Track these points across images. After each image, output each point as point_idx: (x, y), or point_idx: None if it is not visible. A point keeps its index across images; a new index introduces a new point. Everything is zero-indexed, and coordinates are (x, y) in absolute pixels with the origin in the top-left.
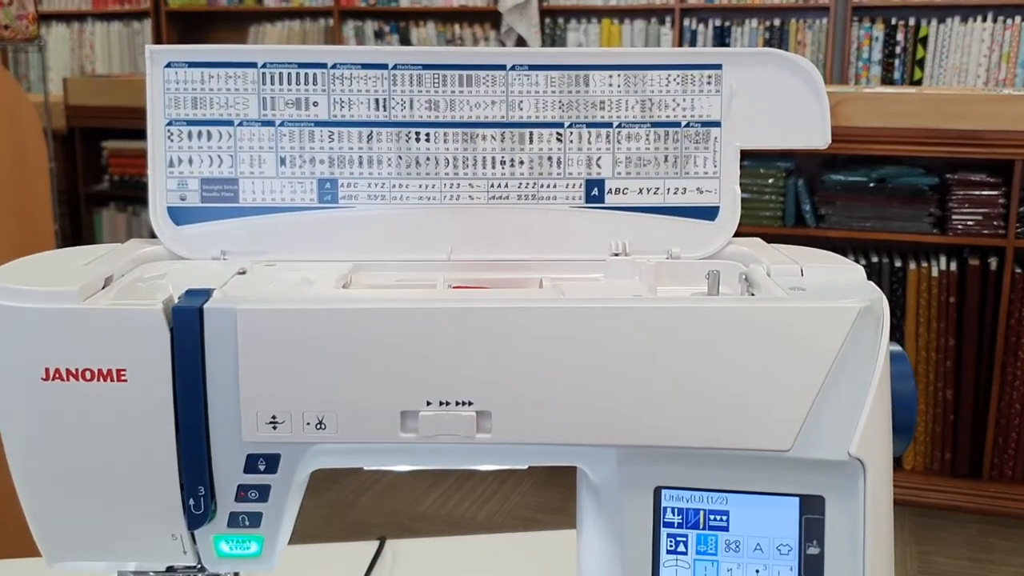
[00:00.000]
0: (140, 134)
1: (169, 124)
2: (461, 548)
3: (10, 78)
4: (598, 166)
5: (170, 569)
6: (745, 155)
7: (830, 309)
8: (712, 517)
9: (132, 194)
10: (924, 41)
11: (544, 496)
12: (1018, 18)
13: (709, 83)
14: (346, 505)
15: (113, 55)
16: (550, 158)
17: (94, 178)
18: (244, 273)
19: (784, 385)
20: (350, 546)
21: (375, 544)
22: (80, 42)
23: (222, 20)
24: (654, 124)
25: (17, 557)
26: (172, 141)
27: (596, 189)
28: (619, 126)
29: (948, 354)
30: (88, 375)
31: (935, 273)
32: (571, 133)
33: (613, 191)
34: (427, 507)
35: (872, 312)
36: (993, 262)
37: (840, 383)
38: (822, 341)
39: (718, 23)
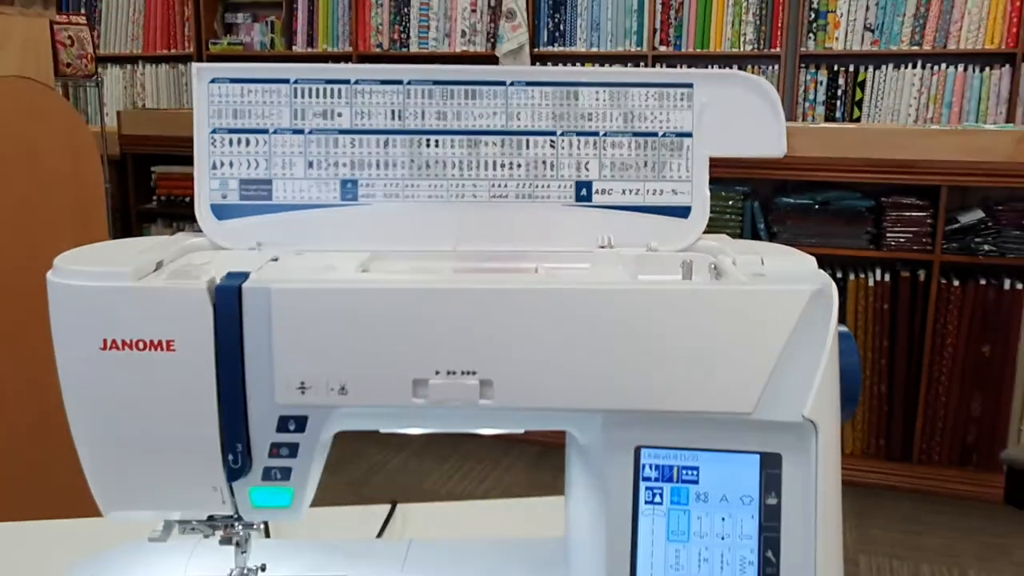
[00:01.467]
0: (184, 160)
1: (213, 132)
2: (461, 511)
3: (72, 110)
4: (586, 170)
5: (210, 518)
6: (710, 176)
7: (787, 292)
8: (684, 472)
9: (177, 211)
10: (862, 85)
11: (535, 475)
12: (943, 64)
13: (682, 99)
14: (361, 482)
15: (161, 92)
16: (544, 162)
17: (144, 198)
18: (276, 260)
19: (747, 357)
20: (366, 509)
21: (387, 507)
22: (132, 81)
23: (256, 63)
24: (635, 134)
25: (74, 517)
26: (215, 147)
27: (584, 190)
28: (604, 135)
29: (883, 353)
30: (141, 345)
31: (871, 283)
32: (563, 141)
33: (599, 191)
34: (431, 484)
35: (823, 295)
36: (922, 274)
37: (795, 355)
38: (780, 319)
39: (685, 67)
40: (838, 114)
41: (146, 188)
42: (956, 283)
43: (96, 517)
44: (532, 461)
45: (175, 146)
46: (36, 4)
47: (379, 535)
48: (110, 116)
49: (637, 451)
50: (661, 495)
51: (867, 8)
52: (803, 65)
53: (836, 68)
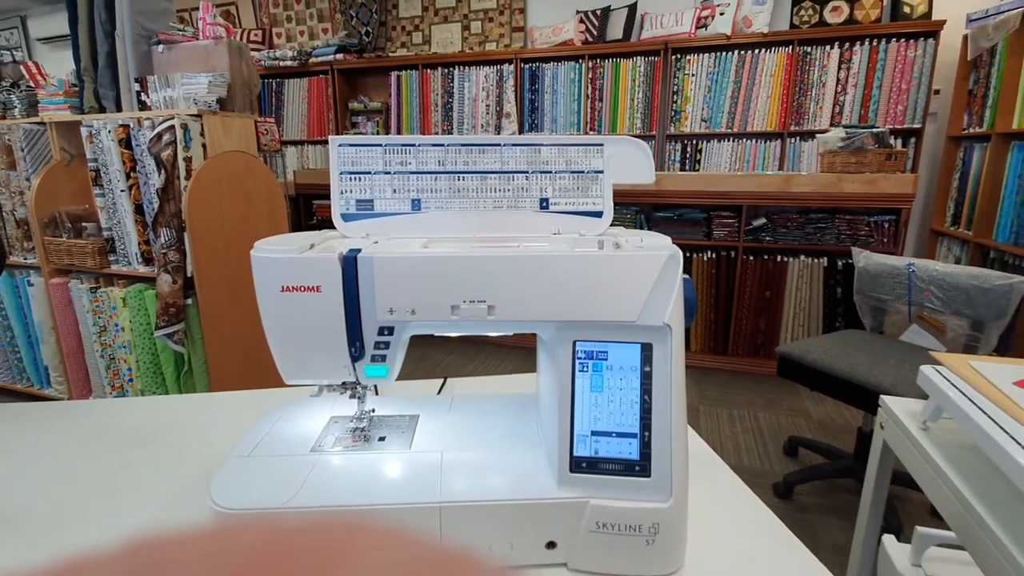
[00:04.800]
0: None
1: (340, 173)
2: (482, 382)
3: (268, 170)
4: (546, 192)
5: (344, 384)
6: (616, 195)
7: (655, 255)
8: (600, 354)
9: (327, 225)
10: (700, 151)
11: (522, 364)
12: (744, 139)
13: (598, 153)
14: (429, 370)
15: (318, 159)
16: (522, 188)
17: (308, 218)
18: (377, 243)
19: (634, 289)
20: (430, 381)
21: (441, 380)
22: (302, 153)
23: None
24: (572, 172)
25: (265, 384)
26: (342, 181)
27: (544, 203)
28: (555, 172)
29: (712, 296)
30: (302, 289)
31: (705, 259)
32: (532, 176)
33: (553, 204)
34: (468, 371)
35: (674, 257)
36: (732, 253)
37: (659, 289)
38: (651, 269)
39: None
40: (688, 168)
41: (309, 213)
42: (751, 258)
43: (281, 387)
44: (521, 357)
45: (325, 189)
46: (246, 111)
47: (437, 393)
48: (290, 173)
49: (574, 344)
50: (587, 367)
51: (703, 109)
52: (668, 140)
53: (686, 142)
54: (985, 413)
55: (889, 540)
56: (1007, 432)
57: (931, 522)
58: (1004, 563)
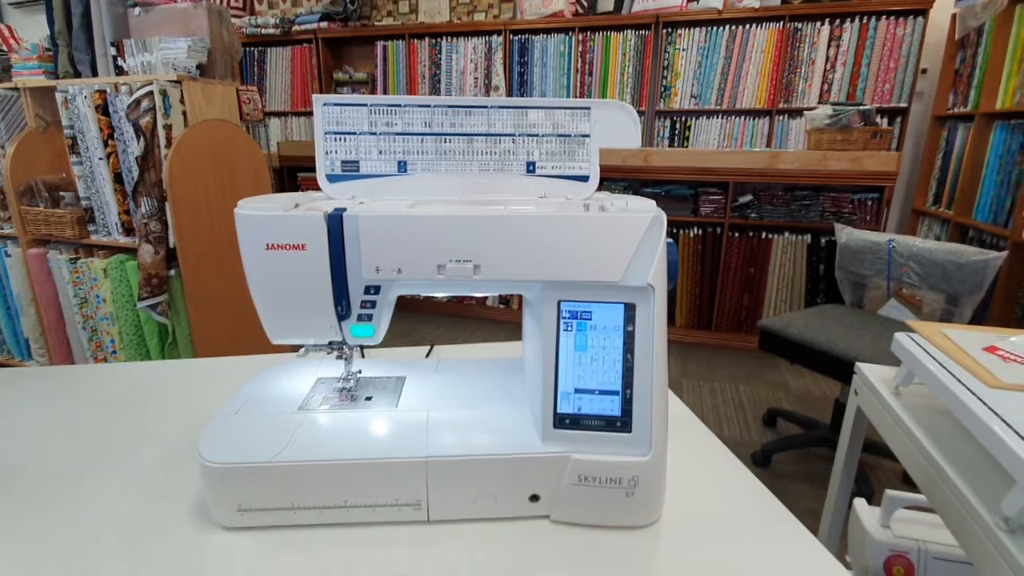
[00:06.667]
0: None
1: (325, 133)
2: (469, 349)
3: (252, 141)
4: (532, 155)
5: (330, 343)
6: (604, 169)
7: (639, 216)
8: (584, 314)
9: None
10: (689, 127)
11: (511, 335)
12: (732, 116)
13: (585, 116)
14: (418, 342)
15: (302, 131)
16: (509, 151)
17: (293, 191)
18: (363, 203)
19: (619, 250)
20: (418, 348)
21: (428, 347)
22: (285, 125)
23: None
24: (559, 135)
25: (251, 354)
26: (327, 142)
27: (532, 166)
28: (542, 136)
29: (697, 271)
30: (288, 247)
31: (692, 236)
32: (519, 139)
33: (540, 167)
34: (456, 341)
35: (658, 219)
36: (719, 230)
37: (643, 251)
38: (635, 231)
39: None
40: (676, 144)
41: (294, 186)
42: (737, 235)
43: (269, 354)
44: (510, 331)
45: (310, 161)
46: (228, 78)
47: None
48: (273, 145)
49: (559, 304)
50: (572, 326)
51: (692, 84)
52: (657, 116)
53: (675, 118)
54: (955, 377)
55: (860, 503)
56: (976, 395)
57: (903, 489)
58: (971, 522)
